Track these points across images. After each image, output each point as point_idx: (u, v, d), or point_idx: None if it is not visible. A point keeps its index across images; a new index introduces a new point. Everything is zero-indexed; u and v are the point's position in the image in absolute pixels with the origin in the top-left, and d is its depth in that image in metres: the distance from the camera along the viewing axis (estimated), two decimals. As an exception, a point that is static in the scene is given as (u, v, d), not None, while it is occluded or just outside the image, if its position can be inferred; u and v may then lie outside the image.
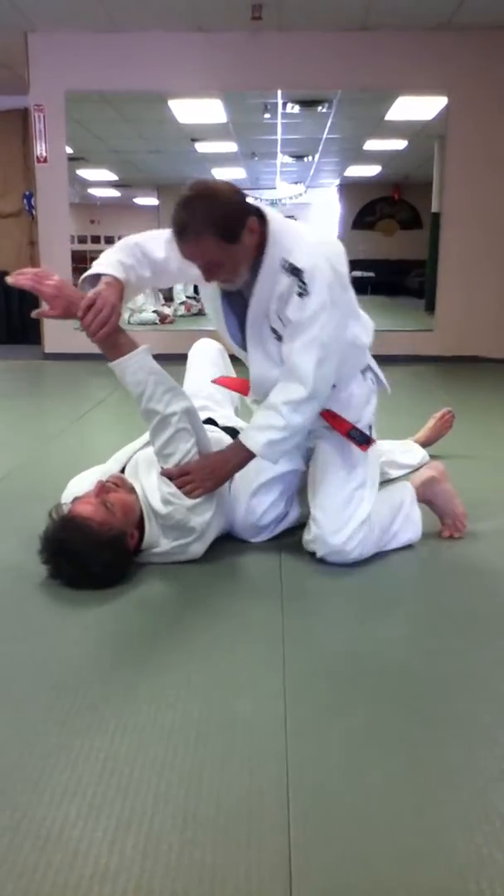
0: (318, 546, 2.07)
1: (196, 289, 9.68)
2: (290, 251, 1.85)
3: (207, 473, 1.99)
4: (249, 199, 1.86)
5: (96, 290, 1.91)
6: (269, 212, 1.90)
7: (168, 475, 1.98)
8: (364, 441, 2.08)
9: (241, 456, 2.02)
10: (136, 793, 1.20)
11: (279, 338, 1.95)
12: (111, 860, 1.07)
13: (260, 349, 2.01)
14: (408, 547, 2.20)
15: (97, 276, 1.96)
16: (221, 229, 1.76)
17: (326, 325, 1.86)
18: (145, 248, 2.03)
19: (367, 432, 2.11)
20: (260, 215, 1.86)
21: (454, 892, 1.02)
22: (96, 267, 1.97)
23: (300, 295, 1.84)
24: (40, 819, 1.15)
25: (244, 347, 2.07)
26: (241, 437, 2.02)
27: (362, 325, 2.12)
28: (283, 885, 1.03)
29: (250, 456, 2.01)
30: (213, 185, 1.80)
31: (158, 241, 2.03)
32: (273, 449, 1.97)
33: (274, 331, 1.95)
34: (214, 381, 2.50)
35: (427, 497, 2.28)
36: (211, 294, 2.07)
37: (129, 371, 1.97)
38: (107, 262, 1.97)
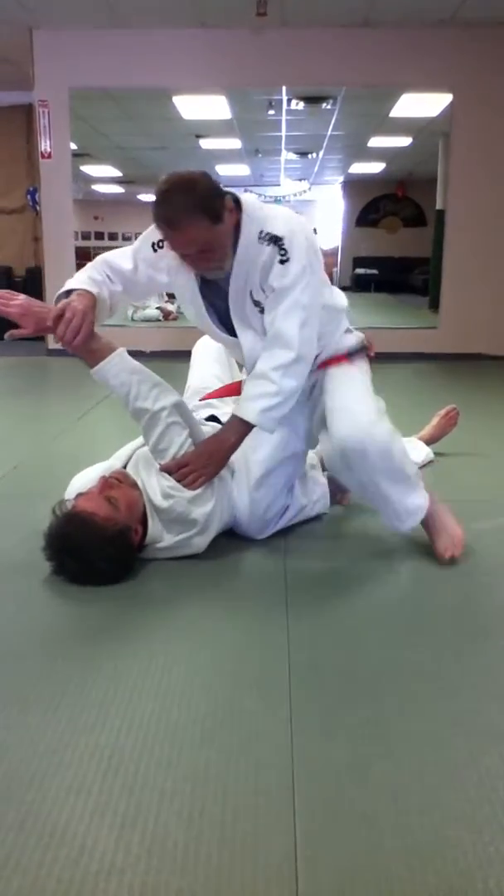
0: (342, 427, 1.98)
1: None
2: (265, 222, 1.91)
3: (206, 459, 2.00)
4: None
5: (65, 301, 1.95)
6: (239, 193, 1.97)
7: (167, 469, 1.99)
8: (362, 349, 2.17)
9: (238, 432, 2.02)
10: (142, 790, 1.20)
11: (262, 310, 1.99)
12: (117, 857, 1.07)
13: (248, 327, 2.04)
14: (411, 545, 2.20)
15: (69, 293, 1.99)
16: (207, 211, 1.81)
17: (307, 289, 1.92)
18: (112, 263, 2.08)
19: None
20: (232, 196, 1.92)
21: (461, 891, 1.02)
22: (68, 284, 2.02)
23: (282, 262, 1.90)
24: (45, 816, 1.14)
25: (231, 333, 2.09)
26: (235, 410, 2.02)
27: (334, 293, 2.18)
28: (290, 882, 1.03)
29: (247, 429, 2.01)
30: (187, 174, 1.85)
31: (125, 255, 2.09)
32: (268, 416, 1.98)
33: (257, 303, 1.99)
34: (202, 400, 2.49)
35: (433, 510, 2.16)
36: (189, 294, 2.08)
37: (112, 374, 1.99)
38: (78, 280, 2.02)
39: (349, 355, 2.15)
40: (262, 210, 1.95)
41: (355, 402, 2.03)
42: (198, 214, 1.80)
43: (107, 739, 1.33)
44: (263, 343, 2.02)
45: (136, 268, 2.07)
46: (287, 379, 1.95)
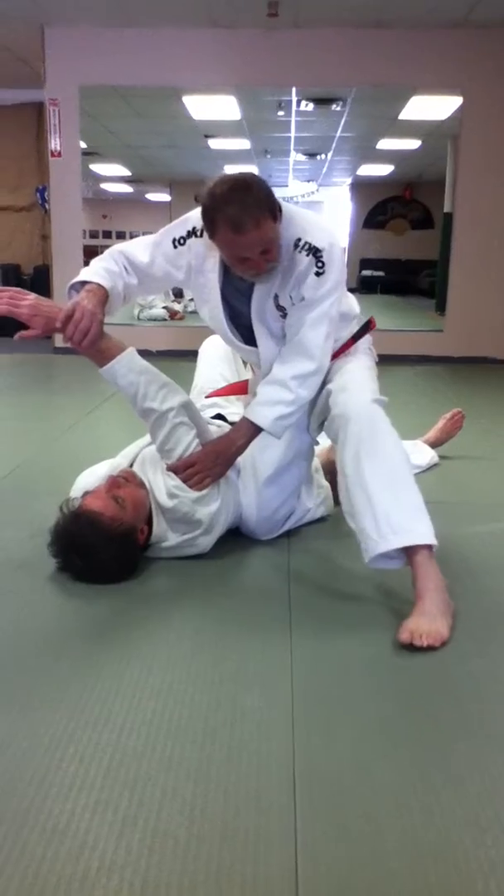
0: (339, 401, 1.94)
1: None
2: (304, 231, 1.90)
3: (213, 460, 2.00)
4: None
5: (74, 300, 1.91)
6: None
7: (174, 469, 1.99)
8: (365, 328, 2.18)
9: (247, 435, 2.02)
10: (144, 787, 1.20)
11: (284, 314, 1.99)
12: (118, 854, 1.07)
13: (266, 330, 2.04)
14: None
15: (84, 283, 1.96)
16: (271, 209, 1.80)
17: (335, 303, 1.95)
18: (129, 255, 2.05)
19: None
20: None
21: (462, 893, 1.02)
22: (82, 274, 1.98)
23: (318, 274, 1.90)
24: (47, 812, 1.15)
25: (245, 336, 2.09)
26: (248, 413, 2.02)
27: (350, 300, 2.18)
28: (290, 880, 1.03)
29: (257, 433, 2.01)
30: (242, 175, 1.82)
31: (144, 247, 2.06)
32: (281, 423, 1.99)
33: (281, 308, 1.98)
34: (208, 397, 2.49)
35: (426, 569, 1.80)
36: (207, 294, 2.06)
37: (120, 375, 1.97)
38: (92, 271, 1.98)
39: (354, 338, 2.15)
40: (300, 216, 1.92)
41: (355, 383, 2.00)
42: (265, 212, 1.78)
43: (109, 737, 1.33)
44: (280, 348, 2.02)
45: (153, 262, 2.05)
46: (304, 389, 1.97)
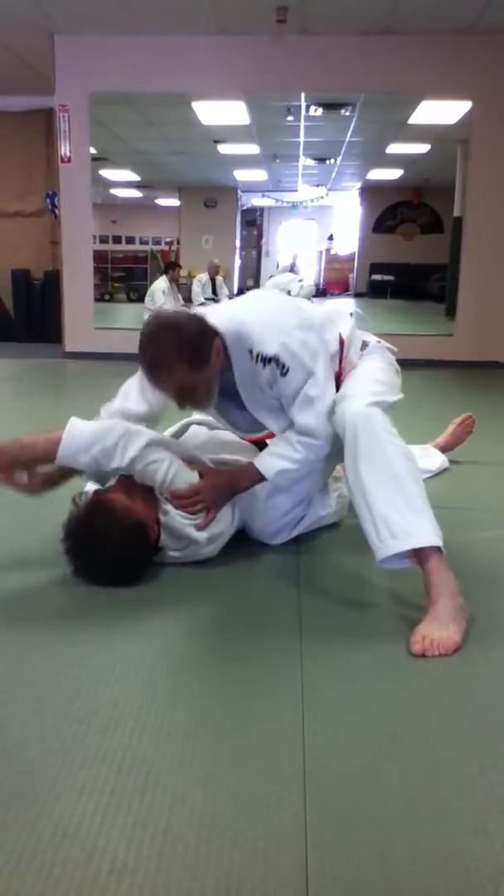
0: (342, 410, 1.92)
1: (214, 290, 9.72)
2: (254, 342, 1.91)
3: (215, 494, 2.02)
4: (204, 317, 1.92)
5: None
6: (218, 313, 1.97)
7: (176, 496, 1.99)
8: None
9: (252, 479, 2.05)
10: (154, 792, 1.21)
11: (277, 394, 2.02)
12: (128, 857, 1.07)
13: (268, 414, 2.06)
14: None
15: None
16: (191, 358, 1.83)
17: (314, 384, 1.94)
18: (129, 417, 2.09)
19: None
20: (217, 333, 1.92)
21: (471, 894, 1.02)
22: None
23: (283, 374, 1.92)
24: (58, 815, 1.15)
25: (251, 429, 2.17)
26: (256, 461, 2.04)
27: (335, 327, 2.16)
28: (300, 886, 1.03)
29: (261, 479, 2.04)
30: (174, 317, 1.89)
31: (134, 399, 2.14)
32: (283, 477, 2.03)
33: (270, 387, 1.99)
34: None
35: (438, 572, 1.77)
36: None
37: (73, 461, 1.97)
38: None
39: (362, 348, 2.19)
40: (248, 326, 1.91)
41: (354, 389, 1.99)
42: (179, 360, 1.82)
43: (119, 740, 1.34)
44: (282, 417, 2.04)
45: (149, 403, 2.13)
46: (310, 453, 2.00)
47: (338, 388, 2.04)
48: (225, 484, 2.05)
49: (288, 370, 1.91)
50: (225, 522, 2.08)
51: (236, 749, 1.32)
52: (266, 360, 1.90)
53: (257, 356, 1.91)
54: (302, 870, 1.06)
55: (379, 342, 2.25)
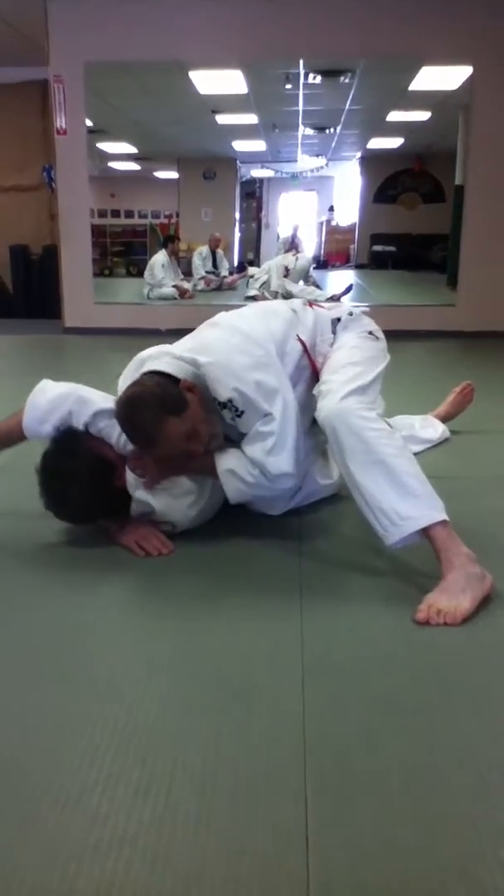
0: (319, 410, 1.92)
1: (214, 263, 9.65)
2: (211, 388, 1.93)
3: (169, 467, 2.00)
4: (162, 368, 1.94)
5: None
6: (179, 364, 1.96)
7: (131, 461, 1.99)
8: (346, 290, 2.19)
9: (206, 465, 2.01)
10: (155, 761, 1.21)
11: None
12: (129, 826, 1.08)
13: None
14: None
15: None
16: (168, 409, 1.84)
17: (269, 421, 1.91)
18: (80, 393, 2.11)
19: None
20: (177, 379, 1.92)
21: (471, 862, 1.02)
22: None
23: (239, 416, 1.92)
24: (60, 785, 1.16)
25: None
26: (217, 452, 2.01)
27: (295, 332, 2.14)
28: (301, 852, 1.04)
29: (214, 472, 2.00)
30: (131, 392, 1.89)
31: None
32: (233, 481, 1.97)
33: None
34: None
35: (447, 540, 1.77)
36: None
37: (40, 436, 2.08)
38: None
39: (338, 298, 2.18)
40: (200, 370, 1.94)
41: (329, 384, 1.96)
42: (163, 420, 1.83)
43: (119, 711, 1.34)
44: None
45: None
46: (255, 488, 1.98)
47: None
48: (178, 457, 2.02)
49: (243, 413, 1.91)
50: (184, 501, 2.03)
51: (237, 717, 1.32)
52: (222, 405, 1.92)
53: (213, 400, 1.93)
54: (302, 837, 1.06)
55: (351, 313, 2.23)
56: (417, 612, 1.66)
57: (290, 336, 2.11)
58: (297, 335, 2.13)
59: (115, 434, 2.00)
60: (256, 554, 2.03)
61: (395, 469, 1.79)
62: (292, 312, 2.18)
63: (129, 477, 1.99)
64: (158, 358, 2.00)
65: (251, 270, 8.86)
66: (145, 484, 1.99)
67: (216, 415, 1.98)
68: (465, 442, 3.01)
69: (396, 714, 1.34)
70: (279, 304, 2.32)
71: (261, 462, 1.92)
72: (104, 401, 2.04)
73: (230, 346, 1.99)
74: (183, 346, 2.05)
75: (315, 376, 2.10)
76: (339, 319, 2.19)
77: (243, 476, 1.96)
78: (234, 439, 2.05)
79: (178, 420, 1.85)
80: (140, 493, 2.00)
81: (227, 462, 1.98)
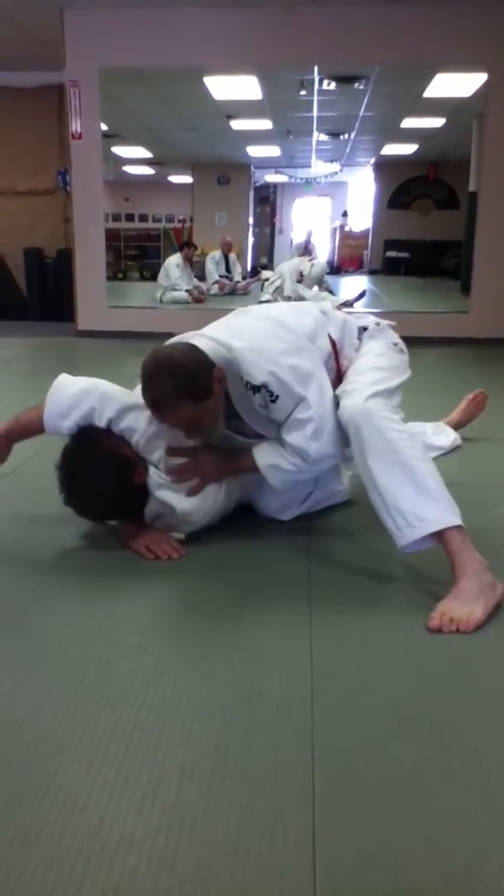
0: (342, 408, 1.91)
1: (227, 267, 9.67)
2: (243, 372, 1.91)
3: (212, 466, 2.01)
4: (205, 347, 1.92)
5: None
6: (215, 346, 1.93)
7: (172, 453, 1.98)
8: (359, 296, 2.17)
9: (247, 464, 2.02)
10: (163, 765, 1.21)
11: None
12: (137, 829, 1.08)
13: (270, 428, 2.02)
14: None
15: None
16: (193, 392, 1.84)
17: (305, 407, 1.90)
18: (105, 389, 2.09)
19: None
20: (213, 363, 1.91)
21: (476, 869, 1.02)
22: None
23: (273, 401, 1.90)
24: (68, 788, 1.16)
25: (255, 437, 2.09)
26: (254, 448, 2.02)
27: (325, 330, 2.12)
28: (307, 857, 1.04)
29: (256, 469, 2.01)
30: (170, 355, 1.87)
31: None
32: (277, 474, 1.98)
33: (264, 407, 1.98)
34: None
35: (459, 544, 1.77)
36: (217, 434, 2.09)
37: (60, 431, 2.07)
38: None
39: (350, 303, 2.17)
40: (238, 358, 1.91)
41: (353, 384, 1.96)
42: (183, 396, 1.83)
43: (128, 715, 1.34)
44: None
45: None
46: (304, 466, 1.96)
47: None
48: (222, 458, 2.04)
49: (277, 398, 1.89)
50: (208, 500, 2.04)
51: (245, 723, 1.32)
52: (255, 389, 1.90)
53: (247, 384, 1.91)
54: (309, 842, 1.06)
55: (378, 324, 2.22)
56: (430, 619, 1.66)
57: (319, 333, 2.10)
58: (329, 334, 2.13)
59: (136, 435, 1.99)
60: (266, 559, 2.03)
61: (417, 471, 1.79)
62: (322, 313, 2.18)
63: (155, 475, 1.98)
64: (194, 338, 1.98)
65: (264, 274, 8.88)
66: (193, 489, 1.99)
67: (223, 412, 1.98)
68: (477, 449, 3.00)
69: (405, 721, 1.34)
70: (309, 304, 2.33)
71: (303, 449, 1.91)
72: (127, 397, 2.03)
73: (263, 331, 1.99)
74: (218, 332, 2.03)
75: (339, 378, 2.08)
76: (365, 328, 2.19)
77: (285, 467, 1.96)
78: (248, 433, 2.06)
79: (194, 406, 1.85)
80: (164, 493, 2.00)
81: (266, 458, 1.98)
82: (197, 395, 1.84)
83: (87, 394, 2.02)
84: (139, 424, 1.98)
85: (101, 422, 2.00)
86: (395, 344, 2.20)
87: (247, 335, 1.97)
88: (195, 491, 2.00)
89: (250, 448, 2.04)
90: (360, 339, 2.17)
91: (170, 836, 1.07)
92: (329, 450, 1.93)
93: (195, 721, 1.33)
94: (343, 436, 1.94)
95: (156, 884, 0.99)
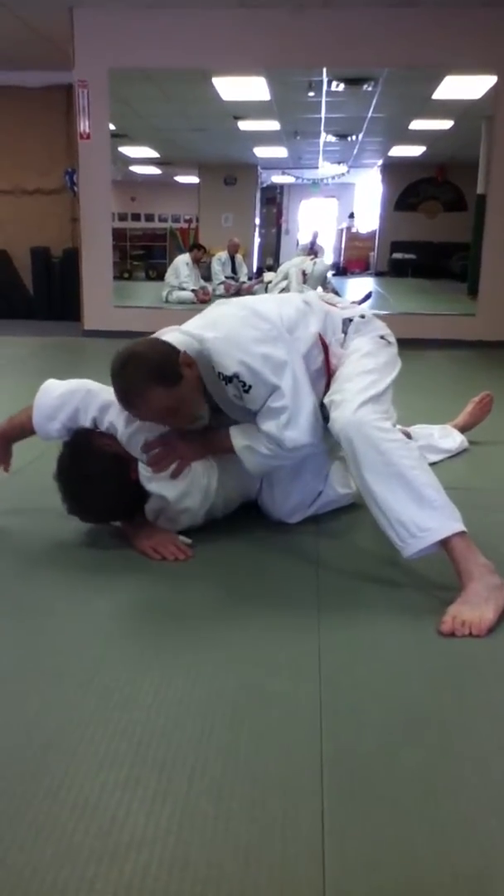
0: (333, 420, 1.89)
1: (234, 268, 9.67)
2: (213, 361, 1.91)
3: (187, 447, 2.01)
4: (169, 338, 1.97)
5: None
6: (184, 339, 1.96)
7: (150, 444, 1.97)
8: (365, 297, 2.14)
9: (224, 443, 2.02)
10: (173, 766, 1.22)
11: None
12: (147, 830, 1.09)
13: (248, 418, 2.01)
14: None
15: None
16: (160, 378, 1.84)
17: (279, 396, 1.90)
18: (89, 387, 2.13)
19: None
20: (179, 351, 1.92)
21: (487, 874, 1.02)
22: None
23: (246, 391, 1.90)
24: (79, 787, 1.17)
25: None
26: (232, 428, 2.02)
27: (307, 323, 2.10)
28: (317, 860, 1.04)
29: (232, 449, 2.01)
30: (133, 347, 1.89)
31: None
32: (253, 456, 1.98)
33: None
34: None
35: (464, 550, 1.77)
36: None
37: (50, 434, 2.12)
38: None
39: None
40: (203, 344, 1.93)
41: (342, 392, 1.93)
42: (150, 383, 1.83)
43: (138, 716, 1.35)
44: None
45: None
46: (274, 459, 1.98)
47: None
48: (199, 438, 2.04)
49: (250, 388, 1.89)
50: (196, 484, 2.03)
51: (254, 726, 1.33)
52: (227, 379, 1.90)
53: (219, 375, 1.91)
54: (318, 845, 1.07)
55: (363, 316, 2.19)
56: (442, 623, 1.66)
57: (300, 324, 2.08)
58: (316, 332, 2.10)
59: (119, 429, 1.99)
60: (273, 563, 2.04)
61: (414, 481, 1.77)
62: (305, 304, 2.16)
63: (143, 470, 1.99)
64: (167, 333, 2.02)
65: (266, 276, 8.88)
66: (174, 471, 1.98)
67: (203, 398, 1.98)
68: (484, 453, 3.00)
69: (414, 724, 1.34)
70: (292, 295, 2.33)
71: (277, 438, 1.91)
72: (109, 394, 2.02)
73: (237, 319, 1.99)
74: (193, 324, 2.06)
75: (327, 363, 2.08)
76: (350, 320, 2.15)
77: (260, 450, 1.96)
78: (229, 423, 2.06)
79: (165, 392, 1.84)
80: (153, 486, 2.00)
81: (242, 439, 1.98)
82: (165, 380, 1.84)
83: (72, 395, 2.06)
84: (120, 421, 1.99)
85: (86, 421, 2.03)
86: (382, 336, 2.16)
87: (221, 325, 1.98)
88: (177, 473, 1.99)
89: (224, 432, 2.03)
90: (345, 332, 2.14)
91: (180, 837, 1.07)
92: (305, 438, 1.92)
93: (205, 724, 1.33)
94: (323, 425, 1.95)
95: (166, 885, 1.00)
